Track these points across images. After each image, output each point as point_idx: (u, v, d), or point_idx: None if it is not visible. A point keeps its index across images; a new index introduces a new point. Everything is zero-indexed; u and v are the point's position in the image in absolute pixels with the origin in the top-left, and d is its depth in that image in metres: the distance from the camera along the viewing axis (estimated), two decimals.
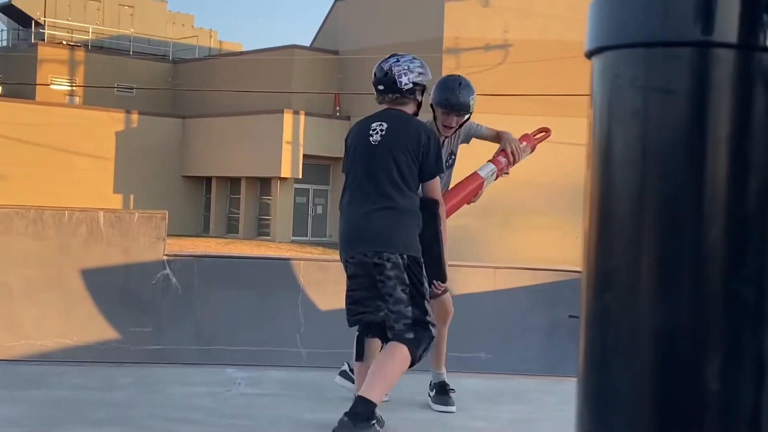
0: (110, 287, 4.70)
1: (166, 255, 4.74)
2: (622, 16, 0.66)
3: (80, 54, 21.90)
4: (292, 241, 18.25)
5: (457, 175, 2.94)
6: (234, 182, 19.81)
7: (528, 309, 4.90)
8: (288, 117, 18.23)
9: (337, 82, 19.22)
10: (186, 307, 4.77)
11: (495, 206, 13.10)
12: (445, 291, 2.78)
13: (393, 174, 2.41)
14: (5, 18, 24.87)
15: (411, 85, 2.50)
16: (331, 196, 19.14)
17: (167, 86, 21.67)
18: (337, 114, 19.15)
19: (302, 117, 18.44)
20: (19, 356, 4.28)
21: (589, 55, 0.69)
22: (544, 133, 3.01)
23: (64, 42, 22.85)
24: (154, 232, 4.72)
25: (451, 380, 2.98)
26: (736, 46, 0.64)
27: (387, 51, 2.63)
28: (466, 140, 2.99)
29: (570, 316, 4.67)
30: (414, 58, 2.55)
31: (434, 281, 2.49)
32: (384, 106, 2.55)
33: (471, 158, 3.06)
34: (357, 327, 2.57)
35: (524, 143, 2.90)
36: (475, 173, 2.85)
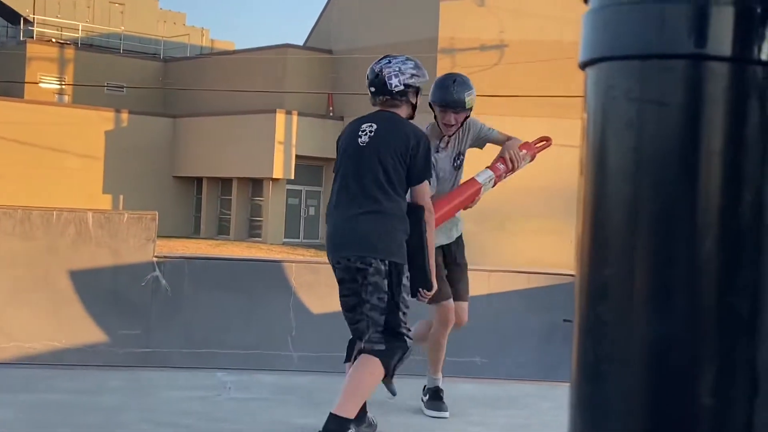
0: (99, 289, 4.66)
1: (156, 256, 4.71)
2: (616, 28, 0.66)
3: (70, 52, 21.74)
4: (284, 243, 18.21)
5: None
6: (225, 183, 19.73)
7: (523, 313, 4.91)
8: (280, 117, 18.18)
9: (330, 82, 19.19)
10: (176, 309, 4.74)
11: (491, 209, 13.10)
12: (443, 300, 2.76)
13: (380, 177, 2.38)
14: None
15: (402, 87, 2.47)
16: (324, 197, 19.11)
17: (158, 85, 21.55)
18: (331, 114, 19.12)
19: (295, 117, 18.39)
20: (7, 359, 4.24)
21: (583, 66, 0.68)
22: (544, 142, 3.01)
23: (54, 40, 22.68)
24: (143, 233, 4.69)
25: (446, 385, 2.98)
26: (730, 59, 0.64)
27: (381, 51, 2.63)
28: (479, 144, 2.96)
29: (565, 320, 4.68)
30: (407, 59, 2.53)
31: (420, 289, 2.45)
32: (378, 108, 2.53)
33: (473, 161, 3.03)
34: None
35: (524, 151, 2.89)
36: (472, 179, 2.84)
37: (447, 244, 2.95)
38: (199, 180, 20.07)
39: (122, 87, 21.57)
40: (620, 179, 0.65)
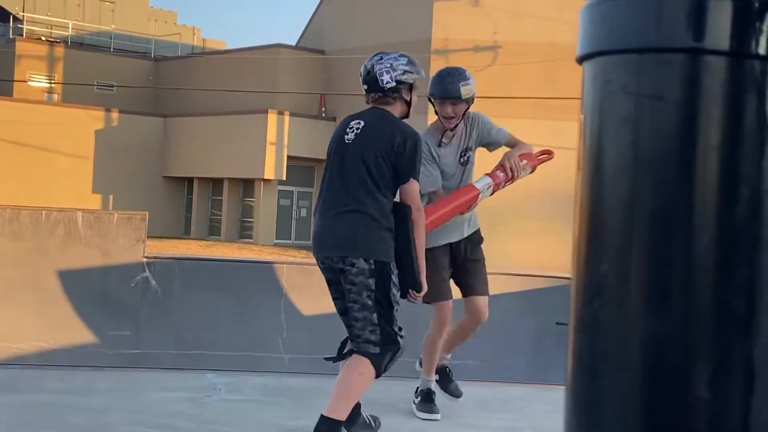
0: (88, 289, 4.62)
1: (146, 257, 4.68)
2: (614, 22, 0.65)
3: (60, 50, 21.59)
4: (275, 244, 18.15)
5: None
6: (216, 183, 19.65)
7: (516, 315, 4.90)
8: (272, 117, 18.14)
9: (322, 83, 19.16)
10: (166, 310, 4.71)
11: (483, 211, 13.05)
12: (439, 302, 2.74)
13: (363, 175, 2.34)
14: None
15: (394, 84, 2.42)
16: (315, 198, 19.03)
17: (149, 84, 21.44)
18: (323, 115, 19.10)
19: (287, 117, 18.35)
20: None
21: (581, 60, 0.68)
22: (546, 155, 3.00)
23: (43, 38, 22.51)
24: (133, 233, 4.65)
25: (435, 387, 2.96)
26: (727, 53, 0.63)
27: (374, 51, 2.59)
28: (489, 146, 2.93)
29: (557, 323, 4.68)
30: (401, 55, 2.48)
31: (409, 290, 2.40)
32: (370, 106, 2.50)
33: (479, 163, 3.00)
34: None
35: (525, 161, 2.87)
36: (471, 185, 2.82)
37: (457, 242, 2.88)
38: (190, 180, 19.98)
39: (112, 86, 21.44)
40: (617, 174, 0.65)
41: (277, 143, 18.21)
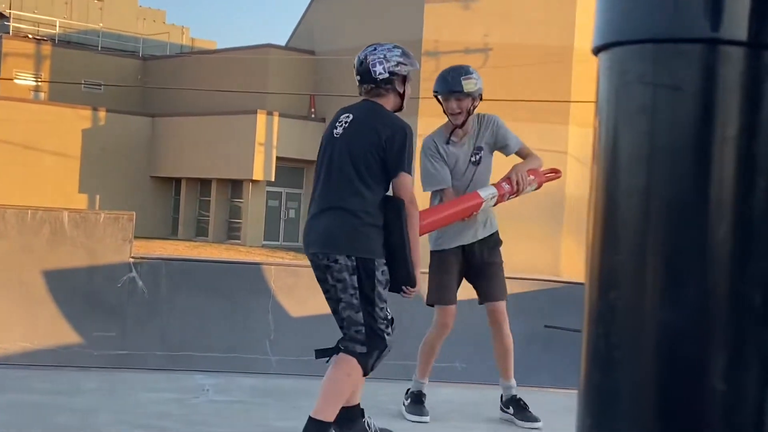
0: (74, 290, 4.56)
1: (133, 257, 4.62)
2: (630, 12, 0.65)
3: (47, 48, 21.35)
4: (264, 246, 18.06)
5: None
6: (204, 184, 19.53)
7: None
8: (261, 118, 18.06)
9: (312, 83, 19.12)
10: (152, 311, 4.66)
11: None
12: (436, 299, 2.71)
13: (349, 170, 2.30)
14: None
15: (387, 75, 2.37)
16: (305, 199, 19.00)
17: (137, 83, 21.27)
18: (312, 116, 19.05)
19: (276, 118, 18.28)
20: None
21: (597, 51, 0.66)
22: (554, 174, 3.01)
23: (30, 35, 22.26)
24: (120, 233, 4.60)
25: (426, 389, 2.94)
26: (745, 44, 0.62)
27: None
28: (504, 150, 2.89)
29: (546, 326, 4.69)
30: (394, 47, 2.44)
31: (403, 286, 2.35)
32: (363, 98, 2.45)
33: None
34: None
35: (531, 177, 2.86)
36: (476, 192, 2.80)
37: (470, 244, 2.84)
38: (178, 180, 19.83)
39: (100, 85, 21.24)
40: (633, 165, 0.64)
41: (266, 144, 18.14)
